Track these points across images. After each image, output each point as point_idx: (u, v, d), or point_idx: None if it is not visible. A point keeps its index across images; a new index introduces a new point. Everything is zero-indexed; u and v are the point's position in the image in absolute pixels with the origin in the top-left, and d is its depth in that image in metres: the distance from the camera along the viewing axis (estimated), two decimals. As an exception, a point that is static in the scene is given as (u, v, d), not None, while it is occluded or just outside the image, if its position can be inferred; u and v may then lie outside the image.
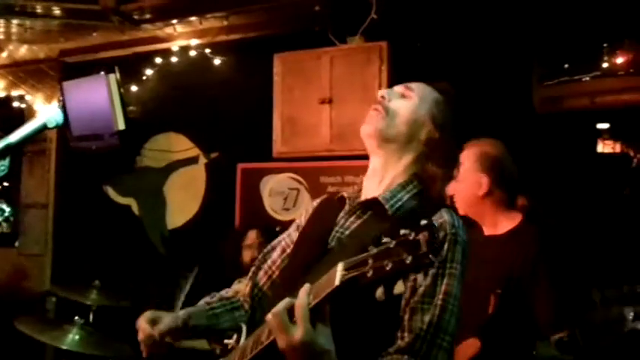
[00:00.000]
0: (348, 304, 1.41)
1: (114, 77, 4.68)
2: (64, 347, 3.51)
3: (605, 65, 3.35)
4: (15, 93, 5.55)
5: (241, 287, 1.97)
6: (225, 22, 4.35)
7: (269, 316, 1.41)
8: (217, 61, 4.68)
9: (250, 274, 1.97)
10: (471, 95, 3.75)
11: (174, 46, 4.75)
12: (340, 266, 1.33)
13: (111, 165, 5.07)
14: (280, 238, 1.96)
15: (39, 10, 4.45)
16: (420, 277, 1.54)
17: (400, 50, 4.02)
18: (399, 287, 1.29)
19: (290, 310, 1.38)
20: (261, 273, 1.93)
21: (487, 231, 2.58)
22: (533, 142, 2.68)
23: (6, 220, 3.95)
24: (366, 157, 4.16)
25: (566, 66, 3.45)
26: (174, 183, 4.93)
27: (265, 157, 4.37)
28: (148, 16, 4.39)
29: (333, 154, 4.16)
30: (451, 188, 2.62)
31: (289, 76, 4.27)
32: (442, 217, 1.60)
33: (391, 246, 1.28)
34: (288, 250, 1.89)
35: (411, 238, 1.27)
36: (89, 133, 4.69)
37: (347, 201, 1.77)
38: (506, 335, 2.33)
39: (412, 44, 4.01)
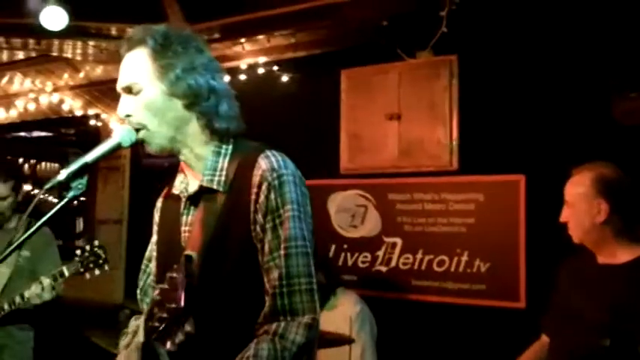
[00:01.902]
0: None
1: (184, 95, 4.76)
2: (137, 361, 3.56)
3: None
4: (91, 112, 5.74)
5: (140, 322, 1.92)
6: (292, 40, 4.37)
7: None
8: (284, 78, 4.71)
9: (139, 295, 1.90)
10: (548, 108, 3.68)
11: (242, 64, 4.80)
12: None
13: (181, 181, 5.14)
14: (149, 247, 1.91)
15: (113, 32, 4.58)
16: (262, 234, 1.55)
17: (470, 64, 3.96)
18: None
19: None
20: (150, 290, 1.85)
21: (602, 260, 2.41)
22: (616, 156, 2.55)
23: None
24: (434, 174, 4.14)
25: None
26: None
27: (332, 174, 4.36)
28: (216, 35, 4.44)
29: (401, 171, 4.11)
30: (564, 214, 2.51)
31: (356, 91, 4.27)
32: (260, 167, 1.58)
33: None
34: (154, 255, 1.84)
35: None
36: (161, 150, 4.79)
37: (181, 197, 1.72)
38: None
39: (482, 57, 3.93)
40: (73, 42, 4.72)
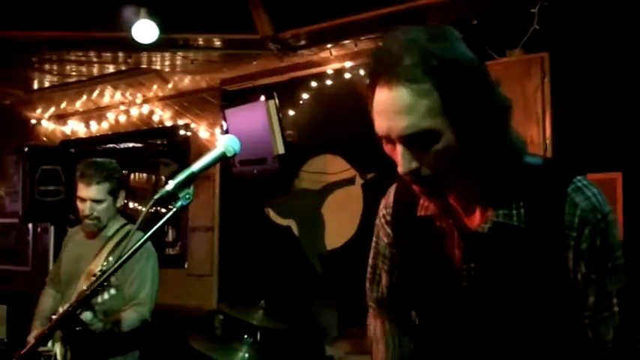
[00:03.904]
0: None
1: (273, 103, 4.82)
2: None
3: None
4: (180, 122, 5.88)
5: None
6: (379, 43, 4.33)
7: None
8: (371, 82, 4.68)
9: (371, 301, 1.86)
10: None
11: (329, 70, 4.81)
12: None
13: (270, 188, 5.20)
14: (374, 256, 1.80)
15: (201, 43, 4.68)
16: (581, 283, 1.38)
17: (562, 61, 3.82)
18: None
19: None
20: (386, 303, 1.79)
21: None
22: None
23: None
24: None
25: None
26: (331, 204, 4.96)
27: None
28: (303, 42, 4.48)
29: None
30: None
31: (444, 92, 4.19)
32: (576, 204, 1.36)
33: None
34: (386, 268, 1.76)
35: None
36: (251, 157, 4.86)
37: (451, 231, 1.48)
38: None
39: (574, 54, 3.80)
40: (162, 54, 4.84)
